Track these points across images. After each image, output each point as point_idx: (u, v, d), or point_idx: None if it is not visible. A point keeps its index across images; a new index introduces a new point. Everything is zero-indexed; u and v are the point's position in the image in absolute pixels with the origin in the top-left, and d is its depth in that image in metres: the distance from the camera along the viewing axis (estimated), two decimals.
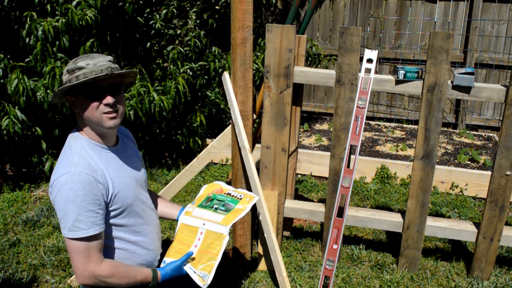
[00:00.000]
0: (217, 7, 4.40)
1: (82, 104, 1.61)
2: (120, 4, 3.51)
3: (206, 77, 4.00)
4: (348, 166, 2.38)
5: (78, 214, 1.53)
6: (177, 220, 2.00)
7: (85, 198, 1.54)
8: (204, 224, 1.90)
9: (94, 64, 1.58)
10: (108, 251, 1.69)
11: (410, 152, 4.42)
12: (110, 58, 1.64)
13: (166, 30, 3.96)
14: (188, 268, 1.79)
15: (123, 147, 1.79)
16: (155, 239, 1.86)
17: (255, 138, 2.84)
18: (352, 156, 2.34)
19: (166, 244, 1.98)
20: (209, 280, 1.78)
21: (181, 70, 3.79)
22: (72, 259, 1.57)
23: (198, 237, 1.89)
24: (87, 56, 1.62)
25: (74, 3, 3.30)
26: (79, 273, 1.57)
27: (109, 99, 1.61)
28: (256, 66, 3.92)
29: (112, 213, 1.66)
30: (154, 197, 2.05)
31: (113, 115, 1.63)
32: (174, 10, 3.93)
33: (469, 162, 4.19)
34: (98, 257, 1.59)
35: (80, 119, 1.66)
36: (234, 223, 2.11)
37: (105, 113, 1.61)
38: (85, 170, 1.56)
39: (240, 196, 2.07)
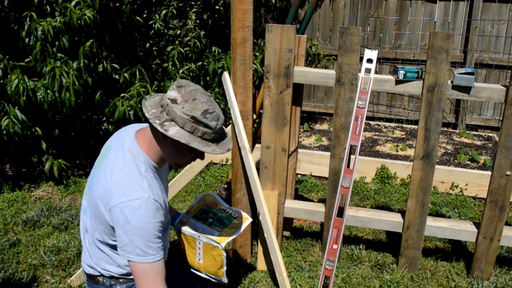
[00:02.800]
0: (216, 7, 4.40)
1: (180, 148, 1.58)
2: (117, 4, 3.51)
3: (208, 78, 4.00)
4: (348, 166, 2.38)
5: (148, 241, 1.52)
6: (171, 225, 2.02)
7: (156, 225, 1.53)
8: (199, 236, 1.93)
9: (219, 126, 1.56)
10: None
11: (410, 152, 4.42)
12: (222, 117, 1.61)
13: (165, 31, 3.95)
14: (203, 275, 1.94)
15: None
16: (168, 247, 1.90)
17: (255, 138, 2.84)
18: (352, 156, 2.34)
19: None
20: (226, 279, 1.95)
21: (181, 71, 3.79)
22: (140, 282, 1.55)
23: (198, 246, 1.94)
24: (213, 108, 1.54)
25: (73, 3, 3.30)
26: None
27: (203, 157, 1.65)
28: (255, 66, 3.91)
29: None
30: None
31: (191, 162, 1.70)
32: (174, 11, 3.93)
33: (469, 162, 4.19)
34: (163, 278, 1.58)
35: (157, 144, 1.60)
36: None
37: (188, 162, 1.67)
38: (155, 197, 1.55)
39: (235, 215, 2.07)
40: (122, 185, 1.53)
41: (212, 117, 1.54)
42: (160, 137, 1.58)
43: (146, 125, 1.71)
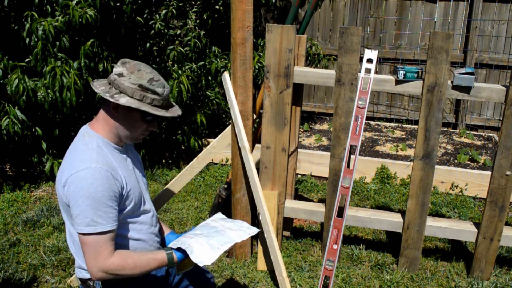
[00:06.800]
0: (216, 7, 4.40)
1: (133, 118, 1.66)
2: (118, 4, 3.51)
3: (209, 77, 4.00)
4: (348, 166, 2.38)
5: (98, 210, 1.54)
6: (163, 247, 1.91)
7: (105, 194, 1.55)
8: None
9: (165, 93, 1.68)
10: None
11: (410, 152, 4.42)
12: (168, 86, 1.72)
13: (166, 30, 3.95)
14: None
15: (126, 149, 1.82)
16: (156, 241, 1.88)
17: (255, 138, 2.84)
18: (352, 156, 2.34)
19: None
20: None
21: (184, 70, 3.80)
22: (84, 254, 1.58)
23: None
24: (158, 77, 1.67)
25: (74, 1, 3.30)
26: (89, 268, 1.58)
27: (155, 127, 1.73)
28: (260, 65, 3.91)
29: (120, 211, 1.67)
30: None
31: (146, 135, 1.76)
32: (174, 11, 3.93)
33: (469, 162, 4.19)
34: (109, 252, 1.59)
35: (111, 120, 1.67)
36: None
37: (143, 134, 1.73)
38: (104, 166, 1.58)
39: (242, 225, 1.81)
40: (72, 161, 1.60)
41: (158, 84, 1.65)
42: (112, 112, 1.65)
43: None
